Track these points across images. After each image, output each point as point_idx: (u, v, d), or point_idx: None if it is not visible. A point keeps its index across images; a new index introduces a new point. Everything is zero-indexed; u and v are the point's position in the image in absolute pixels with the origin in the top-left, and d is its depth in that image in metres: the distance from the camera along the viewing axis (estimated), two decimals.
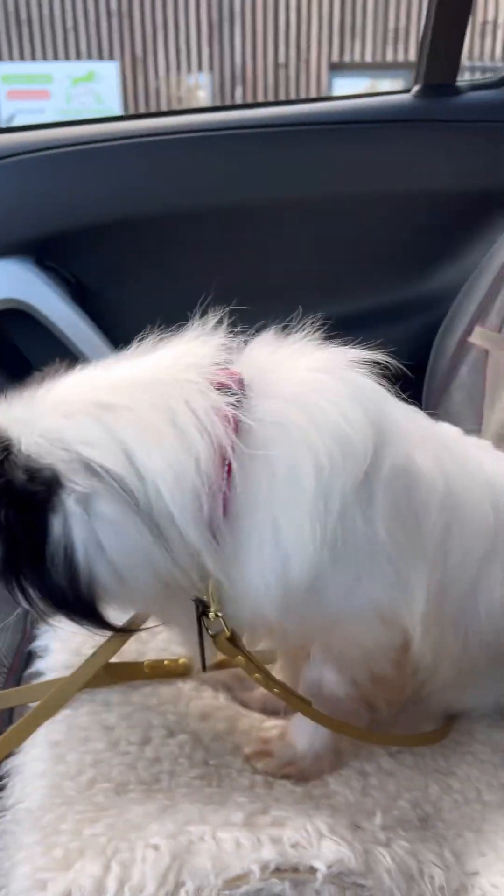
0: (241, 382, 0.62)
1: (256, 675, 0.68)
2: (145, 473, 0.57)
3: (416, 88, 1.39)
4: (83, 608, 0.60)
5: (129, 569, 0.59)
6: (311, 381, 0.63)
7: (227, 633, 0.65)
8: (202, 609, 0.63)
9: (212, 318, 0.71)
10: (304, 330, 0.69)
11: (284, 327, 0.74)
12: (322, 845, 0.58)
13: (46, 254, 1.25)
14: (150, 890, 0.53)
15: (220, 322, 0.69)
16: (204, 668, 0.70)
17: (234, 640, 0.66)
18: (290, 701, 0.70)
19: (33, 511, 0.57)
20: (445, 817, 0.68)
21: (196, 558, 0.59)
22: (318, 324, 0.70)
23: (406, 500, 0.64)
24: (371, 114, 1.34)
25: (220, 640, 0.66)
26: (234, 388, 0.61)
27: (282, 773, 0.70)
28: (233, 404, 0.59)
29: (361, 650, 0.67)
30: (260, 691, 0.77)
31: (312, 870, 0.56)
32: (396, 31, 11.11)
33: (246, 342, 0.69)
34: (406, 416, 0.70)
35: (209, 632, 0.65)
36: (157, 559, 0.59)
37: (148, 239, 1.30)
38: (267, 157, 1.30)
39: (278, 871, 0.55)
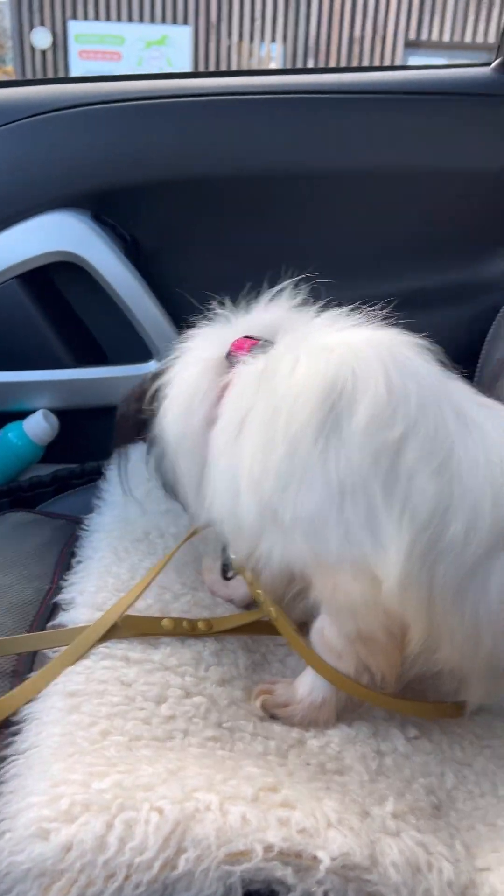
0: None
1: (258, 591, 0.78)
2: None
3: (496, 62, 1.33)
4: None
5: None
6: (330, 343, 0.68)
7: None
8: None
9: (266, 290, 0.78)
10: (361, 305, 0.72)
11: (340, 303, 0.74)
12: (328, 835, 0.56)
13: (105, 209, 1.23)
14: (150, 853, 0.53)
15: (274, 294, 0.77)
16: (225, 577, 0.87)
17: None
18: (281, 625, 0.76)
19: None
20: (459, 807, 0.66)
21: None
22: (375, 301, 0.71)
23: (389, 460, 0.63)
24: (447, 85, 1.29)
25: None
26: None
27: (275, 712, 0.72)
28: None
29: (347, 599, 0.66)
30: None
31: (316, 859, 0.55)
32: (477, 10, 10.77)
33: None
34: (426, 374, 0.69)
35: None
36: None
37: (207, 201, 1.27)
38: (336, 123, 1.26)
39: (282, 854, 0.54)
